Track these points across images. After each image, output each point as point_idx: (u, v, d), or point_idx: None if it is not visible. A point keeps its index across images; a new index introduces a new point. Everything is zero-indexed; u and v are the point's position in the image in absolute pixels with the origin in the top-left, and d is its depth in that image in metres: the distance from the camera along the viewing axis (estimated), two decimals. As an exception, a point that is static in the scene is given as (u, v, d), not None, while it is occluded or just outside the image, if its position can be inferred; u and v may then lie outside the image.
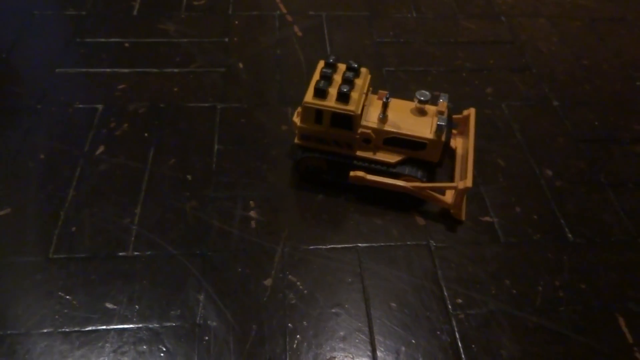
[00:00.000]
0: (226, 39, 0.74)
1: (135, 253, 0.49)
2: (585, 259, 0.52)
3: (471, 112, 0.59)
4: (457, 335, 0.45)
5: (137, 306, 0.46)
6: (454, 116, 0.60)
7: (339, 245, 0.51)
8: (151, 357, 0.42)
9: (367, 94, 0.54)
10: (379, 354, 0.44)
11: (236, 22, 0.77)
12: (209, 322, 0.45)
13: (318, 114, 0.52)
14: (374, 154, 0.54)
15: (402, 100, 0.56)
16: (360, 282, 0.49)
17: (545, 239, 0.54)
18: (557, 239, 0.54)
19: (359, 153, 0.54)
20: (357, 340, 0.45)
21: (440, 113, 0.54)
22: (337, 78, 0.54)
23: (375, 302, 0.47)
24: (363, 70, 0.55)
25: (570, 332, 0.47)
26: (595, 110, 0.69)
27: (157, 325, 0.44)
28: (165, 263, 0.49)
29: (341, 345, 0.44)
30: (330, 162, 0.55)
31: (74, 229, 0.51)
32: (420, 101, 0.53)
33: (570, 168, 0.61)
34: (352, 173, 0.54)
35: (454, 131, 0.60)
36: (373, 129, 0.52)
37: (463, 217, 0.54)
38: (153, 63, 0.70)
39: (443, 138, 0.52)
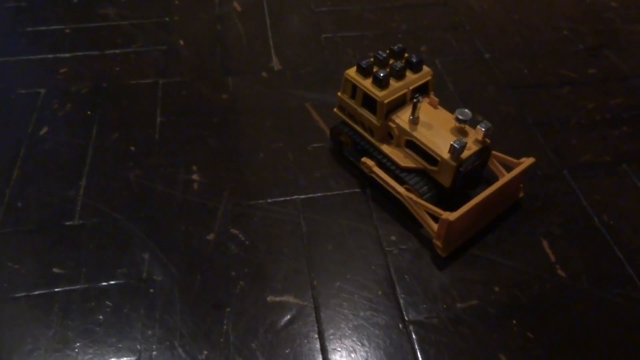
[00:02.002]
0: (167, 19, 0.76)
1: (81, 221, 0.51)
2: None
3: (526, 162, 0.51)
4: (391, 269, 0.48)
5: (83, 269, 0.47)
6: (509, 158, 0.53)
7: (280, 199, 0.54)
8: (99, 313, 0.44)
9: (413, 92, 0.52)
10: (317, 290, 0.46)
11: (176, 2, 0.79)
12: (154, 276, 0.47)
13: (354, 89, 0.52)
14: (391, 150, 0.52)
15: (449, 112, 0.52)
16: (299, 230, 0.51)
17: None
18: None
19: (378, 143, 0.52)
20: (296, 281, 0.47)
21: (477, 140, 0.49)
22: (394, 64, 0.52)
23: (313, 246, 0.50)
24: (425, 68, 0.53)
25: (498, 257, 0.50)
26: (524, 60, 0.72)
27: (104, 284, 0.46)
28: (110, 228, 0.51)
29: (281, 286, 0.47)
30: (354, 140, 0.55)
31: (19, 204, 0.52)
32: (458, 120, 0.49)
33: (500, 113, 0.64)
34: (363, 159, 0.53)
35: (498, 167, 0.53)
36: (397, 125, 0.51)
37: (443, 253, 0.49)
38: (94, 46, 0.71)
39: (455, 162, 0.47)
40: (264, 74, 0.68)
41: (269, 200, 0.54)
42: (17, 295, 0.45)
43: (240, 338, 0.43)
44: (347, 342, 0.43)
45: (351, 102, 0.53)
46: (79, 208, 0.52)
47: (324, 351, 0.43)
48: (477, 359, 0.43)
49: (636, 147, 0.61)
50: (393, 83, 0.51)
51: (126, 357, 0.42)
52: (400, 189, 0.51)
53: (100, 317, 0.44)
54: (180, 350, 0.42)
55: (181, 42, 0.72)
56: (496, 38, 0.75)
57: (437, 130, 0.50)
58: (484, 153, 0.50)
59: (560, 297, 0.47)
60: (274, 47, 0.72)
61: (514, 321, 0.45)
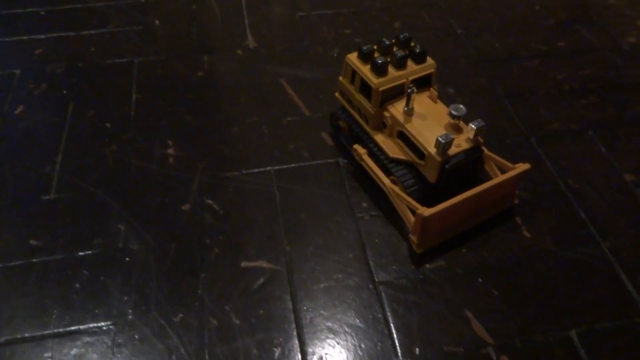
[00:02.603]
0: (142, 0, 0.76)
1: (58, 195, 0.52)
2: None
3: (519, 168, 0.49)
4: (362, 234, 0.50)
5: (60, 240, 0.48)
6: (503, 161, 0.50)
7: (254, 170, 0.55)
8: (75, 281, 0.45)
9: (412, 83, 0.50)
10: (290, 255, 0.48)
11: (151, -17, 0.79)
12: (130, 246, 0.48)
13: (353, 74, 0.52)
14: (383, 140, 0.51)
15: (447, 107, 0.50)
16: (273, 200, 0.52)
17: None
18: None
19: (371, 131, 0.52)
20: (269, 247, 0.48)
21: (468, 139, 0.48)
22: (395, 52, 0.51)
23: (286, 214, 0.51)
24: (429, 60, 0.52)
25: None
26: (496, 34, 0.73)
27: (80, 254, 0.47)
28: (86, 201, 0.51)
29: (255, 252, 0.48)
30: (350, 126, 0.54)
31: (-4, 180, 0.53)
32: (452, 115, 0.48)
33: (471, 85, 0.65)
34: (355, 146, 0.52)
35: (494, 170, 0.51)
36: (390, 115, 0.50)
37: (418, 249, 0.48)
38: (69, 27, 0.71)
39: (440, 157, 0.46)
40: (239, 51, 0.69)
41: (244, 172, 0.55)
42: (-6, 267, 0.47)
43: (215, 301, 0.44)
44: (319, 302, 0.45)
45: (350, 87, 0.53)
46: (55, 183, 0.53)
47: (296, 311, 0.44)
48: (443, 315, 0.44)
49: (602, 115, 0.63)
50: (392, 71, 0.50)
51: (103, 322, 0.43)
52: (385, 179, 0.50)
53: (77, 285, 0.45)
54: (155, 313, 0.43)
55: (157, 22, 0.72)
56: (469, 14, 0.77)
57: (430, 123, 0.49)
58: (474, 152, 0.48)
59: (525, 256, 0.49)
60: (250, 25, 0.73)
61: (480, 280, 0.47)
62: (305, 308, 0.44)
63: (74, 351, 0.41)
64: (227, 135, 0.58)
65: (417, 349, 0.42)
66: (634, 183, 0.55)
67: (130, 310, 0.44)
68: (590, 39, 0.73)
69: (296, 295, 0.45)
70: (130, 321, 0.43)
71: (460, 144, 0.48)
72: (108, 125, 0.59)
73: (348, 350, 0.42)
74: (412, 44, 0.52)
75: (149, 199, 0.52)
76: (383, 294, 0.45)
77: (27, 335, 0.42)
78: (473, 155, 0.48)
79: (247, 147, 0.57)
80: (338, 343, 0.42)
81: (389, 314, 0.44)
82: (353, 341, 0.43)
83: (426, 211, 0.45)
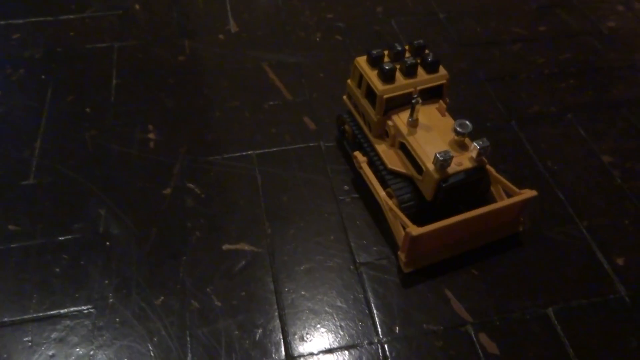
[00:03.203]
0: (122, -16, 0.75)
1: (37, 181, 0.51)
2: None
3: (525, 194, 0.46)
4: (343, 216, 0.50)
5: (39, 225, 0.48)
6: (510, 185, 0.47)
7: (236, 154, 0.55)
8: (55, 266, 0.45)
9: (421, 93, 0.48)
10: (271, 237, 0.48)
11: (131, -32, 0.78)
12: (110, 230, 0.48)
13: (360, 78, 0.50)
14: (384, 150, 0.49)
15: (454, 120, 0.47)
16: (255, 183, 0.52)
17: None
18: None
19: (373, 139, 0.50)
20: (251, 230, 0.48)
21: (471, 158, 0.45)
22: (406, 59, 0.48)
23: (268, 197, 0.51)
24: (442, 71, 0.49)
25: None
26: (478, 19, 0.73)
27: (60, 239, 0.47)
28: (66, 186, 0.51)
29: (236, 235, 0.48)
30: (353, 132, 0.52)
31: (-27, 166, 0.53)
32: (456, 131, 0.45)
33: (452, 69, 0.65)
34: (355, 153, 0.51)
35: (500, 193, 0.49)
36: (394, 124, 0.47)
37: (406, 268, 0.45)
38: (48, 12, 0.70)
39: (438, 174, 0.44)
40: (221, 36, 0.68)
41: (225, 156, 0.54)
42: (-28, 252, 0.46)
43: (196, 284, 0.44)
44: (300, 283, 0.45)
45: (356, 92, 0.51)
46: (34, 168, 0.52)
47: (278, 293, 0.44)
48: (424, 295, 0.45)
49: (582, 98, 0.63)
50: (400, 79, 0.48)
51: (83, 305, 0.43)
52: (381, 191, 0.48)
53: (57, 269, 0.45)
54: (136, 297, 0.43)
55: (137, 6, 0.71)
56: (452, -1, 0.77)
57: (434, 138, 0.46)
58: (476, 172, 0.45)
59: (504, 238, 0.49)
60: (231, 9, 0.72)
61: (459, 260, 0.47)
62: (286, 289, 0.45)
63: (54, 335, 0.41)
64: (209, 120, 0.58)
65: (398, 328, 0.43)
66: (611, 164, 0.56)
67: (111, 294, 0.43)
68: (570, 23, 0.73)
69: (278, 276, 0.45)
70: (111, 304, 0.43)
71: (462, 162, 0.44)
72: (88, 110, 0.58)
73: (329, 330, 0.42)
74: (427, 51, 0.50)
75: (130, 184, 0.52)
76: (364, 275, 0.46)
77: (6, 319, 0.42)
78: (474, 175, 0.45)
79: (228, 132, 0.57)
80: (319, 323, 0.43)
81: (369, 294, 0.45)
82: (334, 321, 0.43)
83: (415, 230, 0.43)
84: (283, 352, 0.41)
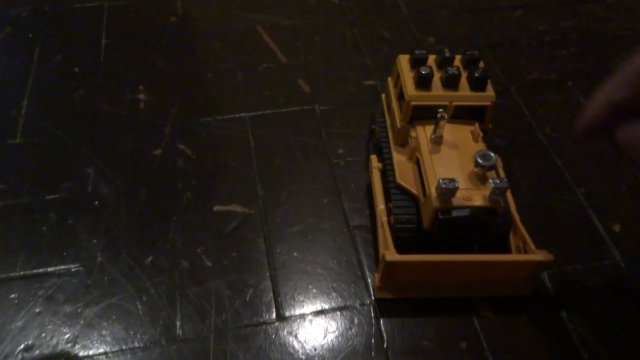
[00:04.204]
0: (112, -57, 0.73)
1: (24, 140, 0.50)
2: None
3: (537, 255, 0.40)
4: (337, 179, 0.49)
5: (27, 184, 0.47)
6: (528, 239, 0.41)
7: (228, 116, 0.53)
8: (43, 224, 0.44)
9: (462, 111, 0.43)
10: (263, 199, 0.47)
11: None
12: (99, 189, 0.47)
13: (398, 77, 0.45)
14: (399, 160, 0.44)
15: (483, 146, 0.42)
16: (247, 145, 0.51)
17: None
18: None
19: (394, 147, 0.45)
20: (243, 191, 0.47)
21: (483, 196, 0.38)
22: (449, 68, 0.43)
23: (261, 159, 0.50)
24: (488, 91, 0.42)
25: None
26: (479, -15, 0.72)
27: (48, 198, 0.46)
28: (54, 145, 0.50)
29: (228, 196, 0.47)
30: (379, 133, 0.47)
31: (-42, 124, 0.51)
32: (476, 163, 0.38)
33: (452, 35, 0.64)
34: (372, 156, 0.47)
35: (519, 245, 0.43)
36: (415, 136, 0.42)
37: (377, 294, 0.42)
38: (35, -30, 0.68)
39: (437, 203, 0.38)
40: (215, -3, 0.66)
41: (217, 118, 0.53)
42: (-43, 210, 0.45)
43: (186, 244, 0.44)
44: (292, 245, 0.44)
45: (392, 91, 0.46)
46: (21, 127, 0.51)
47: (270, 254, 0.44)
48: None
49: (582, 66, 0.62)
50: (437, 88, 0.43)
51: (71, 264, 0.42)
52: (381, 204, 0.44)
53: (44, 228, 0.44)
54: (125, 256, 0.43)
55: (128, -34, 0.70)
56: (452, -36, 0.75)
57: (452, 162, 0.40)
58: (485, 213, 0.39)
59: (501, 202, 0.49)
60: (225, -29, 0.70)
61: (455, 224, 0.47)
62: (278, 250, 0.44)
63: (41, 292, 0.40)
64: (201, 81, 0.56)
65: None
66: (610, 132, 0.55)
67: (99, 253, 0.43)
68: (573, -9, 0.72)
69: (269, 238, 0.45)
70: (99, 263, 0.42)
71: (472, 197, 0.38)
72: (76, 69, 0.56)
73: (321, 291, 0.42)
74: (481, 65, 0.44)
75: (119, 144, 0.50)
76: (357, 237, 0.45)
77: (-8, 277, 0.41)
78: (482, 216, 0.39)
79: (221, 94, 0.56)
80: (311, 284, 0.42)
81: (362, 256, 0.44)
82: (326, 282, 0.42)
83: (391, 255, 0.39)
84: (274, 312, 0.40)
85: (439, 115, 0.40)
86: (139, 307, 0.40)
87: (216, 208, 0.46)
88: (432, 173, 0.40)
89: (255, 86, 0.56)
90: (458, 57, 0.45)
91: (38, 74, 0.56)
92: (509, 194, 0.45)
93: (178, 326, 0.39)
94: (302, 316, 0.40)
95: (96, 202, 0.46)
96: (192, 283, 0.41)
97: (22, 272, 0.41)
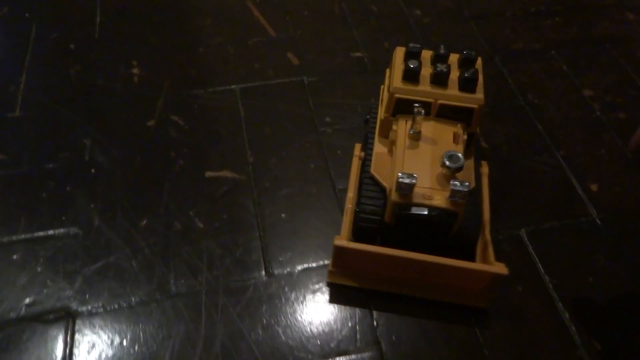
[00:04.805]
0: None
1: (23, 113, 0.52)
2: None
3: (491, 267, 0.39)
4: (324, 146, 0.51)
5: (26, 154, 0.49)
6: (490, 252, 0.40)
7: (219, 88, 0.55)
8: (42, 191, 0.46)
9: (441, 108, 0.42)
10: (253, 165, 0.49)
11: None
12: (95, 158, 0.49)
13: (390, 69, 0.45)
14: (378, 152, 0.44)
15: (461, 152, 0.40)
16: (238, 115, 0.53)
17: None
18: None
19: (377, 138, 0.45)
20: (233, 158, 0.49)
21: (444, 197, 0.38)
22: (452, 66, 0.43)
23: (251, 129, 0.52)
24: (477, 94, 0.42)
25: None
26: (466, -41, 0.73)
27: (47, 167, 0.48)
28: (51, 118, 0.52)
29: (219, 163, 0.49)
30: (369, 123, 0.47)
31: (-41, 100, 0.53)
32: (442, 163, 0.38)
33: (437, 7, 0.65)
34: (357, 144, 0.47)
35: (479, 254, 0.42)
36: (396, 130, 0.42)
37: (328, 277, 0.42)
38: (30, -48, 0.69)
39: (395, 197, 0.38)
40: (206, -25, 0.68)
41: (209, 90, 0.55)
42: (-39, 180, 0.47)
43: (179, 207, 0.46)
44: (281, 207, 0.46)
45: (386, 82, 0.46)
46: (19, 101, 0.53)
47: (259, 215, 0.45)
48: (401, 219, 0.46)
49: (566, 35, 0.63)
50: (424, 84, 0.42)
51: (70, 227, 0.44)
52: (351, 191, 0.44)
53: (44, 194, 0.46)
54: (121, 219, 0.45)
55: (121, -54, 0.71)
56: (440, -61, 0.76)
57: (424, 160, 0.40)
58: (445, 216, 0.38)
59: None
60: (216, -51, 0.72)
61: (437, 186, 0.48)
62: (267, 212, 0.46)
63: (42, 253, 0.42)
64: (193, 56, 0.58)
65: (375, 249, 0.44)
66: (591, 98, 0.57)
67: (96, 217, 0.45)
68: (560, -37, 0.73)
69: (259, 201, 0.47)
70: (96, 226, 0.44)
71: (434, 197, 0.38)
72: (72, 46, 0.58)
73: (308, 249, 0.44)
74: (478, 65, 0.43)
75: (114, 116, 0.52)
76: (343, 200, 0.47)
77: (-5, 240, 0.43)
78: (441, 218, 0.38)
79: (212, 67, 0.57)
80: (298, 243, 0.44)
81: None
82: (313, 241, 0.44)
83: (342, 241, 0.39)
84: (263, 270, 0.42)
85: (415, 110, 0.40)
86: (135, 265, 0.42)
87: (208, 174, 0.48)
88: (400, 168, 0.39)
89: (246, 59, 0.58)
90: (455, 56, 0.44)
91: (35, 51, 0.58)
92: (486, 204, 0.44)
93: (172, 282, 0.41)
94: (290, 274, 0.42)
95: (93, 170, 0.48)
96: (185, 243, 0.43)
97: (23, 235, 0.43)
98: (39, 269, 0.42)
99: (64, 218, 0.45)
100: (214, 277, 0.42)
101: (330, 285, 0.42)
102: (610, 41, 0.63)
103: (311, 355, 0.38)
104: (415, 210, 0.38)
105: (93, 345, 0.38)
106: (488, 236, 0.42)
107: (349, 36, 0.61)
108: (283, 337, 0.39)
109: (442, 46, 0.44)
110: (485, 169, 0.46)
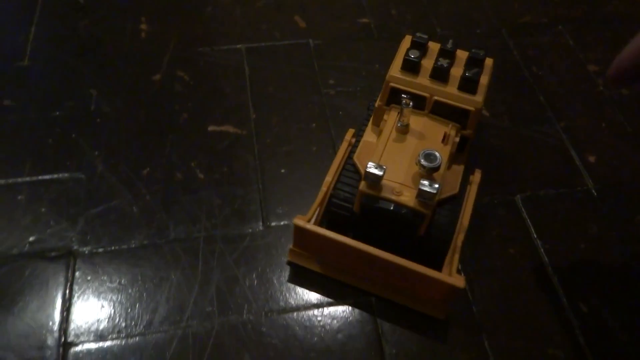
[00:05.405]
0: None
1: (31, 62, 0.53)
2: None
3: (447, 279, 0.36)
4: (327, 107, 0.51)
5: (33, 102, 0.50)
6: (456, 261, 0.38)
7: (225, 47, 0.56)
8: (47, 137, 0.47)
9: (436, 105, 0.40)
10: (255, 122, 0.49)
11: None
12: (101, 108, 0.49)
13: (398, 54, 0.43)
14: (367, 140, 0.42)
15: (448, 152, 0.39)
16: (242, 74, 0.53)
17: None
18: (427, 33, 0.59)
19: (370, 125, 0.44)
20: (236, 114, 0.50)
21: (412, 195, 0.36)
22: (457, 65, 0.41)
23: (255, 87, 0.52)
24: (477, 96, 0.39)
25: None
26: None
27: (53, 114, 0.49)
28: (59, 68, 0.52)
29: (222, 118, 0.50)
30: (370, 109, 0.46)
31: (-30, 47, 0.54)
32: (419, 163, 0.36)
33: (448, -22, 0.65)
34: (350, 129, 0.46)
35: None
36: (386, 120, 0.41)
37: (288, 256, 0.41)
38: None
39: (364, 187, 0.36)
40: (217, -63, 0.68)
41: (215, 48, 0.55)
42: (-31, 123, 0.48)
43: (181, 158, 0.47)
44: (281, 163, 0.47)
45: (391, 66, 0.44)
46: (28, 51, 0.54)
47: (259, 169, 0.46)
48: (398, 180, 0.47)
49: (574, 11, 0.63)
50: (423, 77, 0.40)
51: (74, 172, 0.45)
52: (330, 175, 0.42)
53: (50, 140, 0.47)
54: (124, 167, 0.46)
55: None
56: None
57: (406, 155, 0.38)
58: (411, 215, 0.36)
59: (481, 132, 0.51)
60: None
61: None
62: (267, 167, 0.47)
63: (46, 195, 0.43)
64: (200, 15, 0.58)
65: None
66: (596, 73, 0.57)
67: (100, 164, 0.46)
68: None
69: (260, 156, 0.47)
70: (100, 172, 0.45)
71: (404, 194, 0.36)
72: (81, 1, 0.59)
73: (306, 203, 0.44)
74: (486, 65, 0.41)
75: (121, 69, 0.53)
76: (342, 159, 0.48)
77: (1, 181, 0.44)
78: (406, 216, 0.36)
79: (219, 26, 0.58)
80: (295, 197, 0.45)
81: (346, 176, 0.47)
82: (311, 196, 0.45)
83: (301, 221, 0.38)
84: (260, 221, 0.43)
85: (403, 102, 0.38)
86: (135, 210, 0.43)
87: (210, 128, 0.49)
88: (377, 158, 0.38)
89: (253, 20, 0.58)
90: (465, 53, 0.42)
91: (45, 5, 0.58)
92: (467, 212, 0.42)
93: (171, 228, 0.42)
94: (287, 226, 0.43)
95: (98, 120, 0.49)
96: (185, 192, 0.44)
97: (28, 178, 0.45)
98: (42, 210, 0.43)
99: (68, 163, 0.46)
100: (212, 225, 0.43)
101: (290, 264, 0.41)
102: (618, 19, 0.62)
103: (304, 303, 0.39)
104: (380, 204, 0.36)
105: (92, 283, 0.39)
106: (459, 247, 0.39)
107: (357, 2, 0.61)
108: (277, 285, 0.40)
109: (450, 41, 0.42)
110: (476, 178, 0.44)
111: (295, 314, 0.39)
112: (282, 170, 0.46)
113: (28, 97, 0.50)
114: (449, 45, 0.41)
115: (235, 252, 0.41)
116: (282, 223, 0.43)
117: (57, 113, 0.49)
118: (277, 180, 0.46)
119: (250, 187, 0.45)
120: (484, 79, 0.41)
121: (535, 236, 0.44)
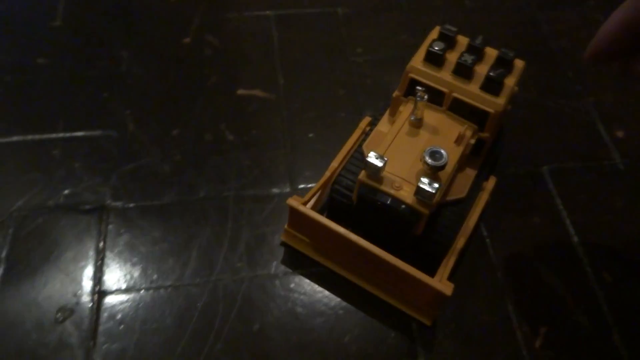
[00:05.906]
0: None
1: (64, 23, 0.53)
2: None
3: (437, 284, 0.35)
4: (354, 75, 0.51)
5: (66, 61, 0.50)
6: (447, 269, 0.37)
7: (255, 13, 0.56)
8: (79, 95, 0.48)
9: (455, 102, 0.38)
10: (283, 86, 0.50)
11: None
12: (132, 69, 0.50)
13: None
14: (380, 129, 0.41)
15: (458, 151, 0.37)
16: (271, 39, 0.54)
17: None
18: (456, 4, 0.58)
19: (387, 114, 0.42)
20: (265, 78, 0.50)
21: (410, 192, 0.35)
22: (484, 63, 0.39)
23: (283, 53, 0.53)
24: (499, 98, 0.37)
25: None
26: None
27: (86, 74, 0.49)
28: (91, 29, 0.53)
29: (250, 82, 0.50)
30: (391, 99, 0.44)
31: (2, 7, 0.55)
32: (423, 160, 0.35)
33: (478, -50, 0.65)
34: (365, 118, 0.45)
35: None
36: (401, 112, 0.40)
37: (281, 235, 0.41)
38: None
39: (363, 177, 0.35)
40: None
41: (244, 14, 0.56)
42: (4, 80, 0.49)
43: (210, 120, 0.47)
44: (309, 127, 0.47)
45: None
46: (61, 12, 0.54)
47: (288, 132, 0.47)
48: (425, 148, 0.47)
49: (607, -13, 0.62)
50: (445, 71, 0.39)
51: (106, 130, 0.46)
52: (336, 161, 0.41)
53: (82, 98, 0.48)
54: (155, 126, 0.46)
55: None
56: None
57: (415, 150, 0.37)
58: (407, 213, 0.35)
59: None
60: None
61: (463, 121, 0.49)
62: (295, 131, 0.47)
63: (79, 151, 0.44)
64: (230, -19, 0.59)
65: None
66: (626, 49, 0.56)
67: (131, 123, 0.46)
68: None
69: (288, 120, 0.48)
70: (131, 131, 0.46)
71: (403, 189, 0.35)
72: (112, -36, 0.59)
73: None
74: (515, 67, 0.40)
75: (152, 32, 0.53)
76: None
77: (36, 136, 0.45)
78: (401, 214, 0.35)
79: (248, -8, 0.58)
80: (322, 162, 0.44)
81: (373, 143, 0.47)
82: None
83: (295, 201, 0.38)
84: (288, 183, 0.44)
85: (417, 95, 0.37)
86: (166, 169, 0.44)
87: (239, 91, 0.49)
88: (383, 150, 0.37)
89: (282, -13, 0.59)
90: (495, 52, 0.40)
91: (76, -34, 0.59)
92: (473, 219, 0.40)
93: (201, 187, 0.43)
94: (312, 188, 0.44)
95: (129, 81, 0.49)
96: (215, 152, 0.45)
97: (62, 134, 0.45)
98: (76, 165, 0.44)
99: (100, 121, 0.46)
100: (241, 186, 0.43)
101: (283, 244, 0.41)
102: (651, -4, 0.61)
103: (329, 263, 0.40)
104: (377, 196, 0.35)
105: (125, 236, 0.40)
106: (456, 253, 0.38)
107: (386, -27, 0.61)
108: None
109: (480, 37, 0.40)
110: (489, 185, 0.42)
111: (321, 270, 0.40)
112: (310, 135, 0.47)
113: (61, 55, 0.51)
114: (478, 41, 0.40)
115: (264, 211, 0.42)
116: (309, 186, 0.44)
117: (89, 73, 0.49)
118: (305, 144, 0.46)
119: (278, 150, 0.46)
120: (510, 81, 0.39)
121: (562, 207, 0.44)
